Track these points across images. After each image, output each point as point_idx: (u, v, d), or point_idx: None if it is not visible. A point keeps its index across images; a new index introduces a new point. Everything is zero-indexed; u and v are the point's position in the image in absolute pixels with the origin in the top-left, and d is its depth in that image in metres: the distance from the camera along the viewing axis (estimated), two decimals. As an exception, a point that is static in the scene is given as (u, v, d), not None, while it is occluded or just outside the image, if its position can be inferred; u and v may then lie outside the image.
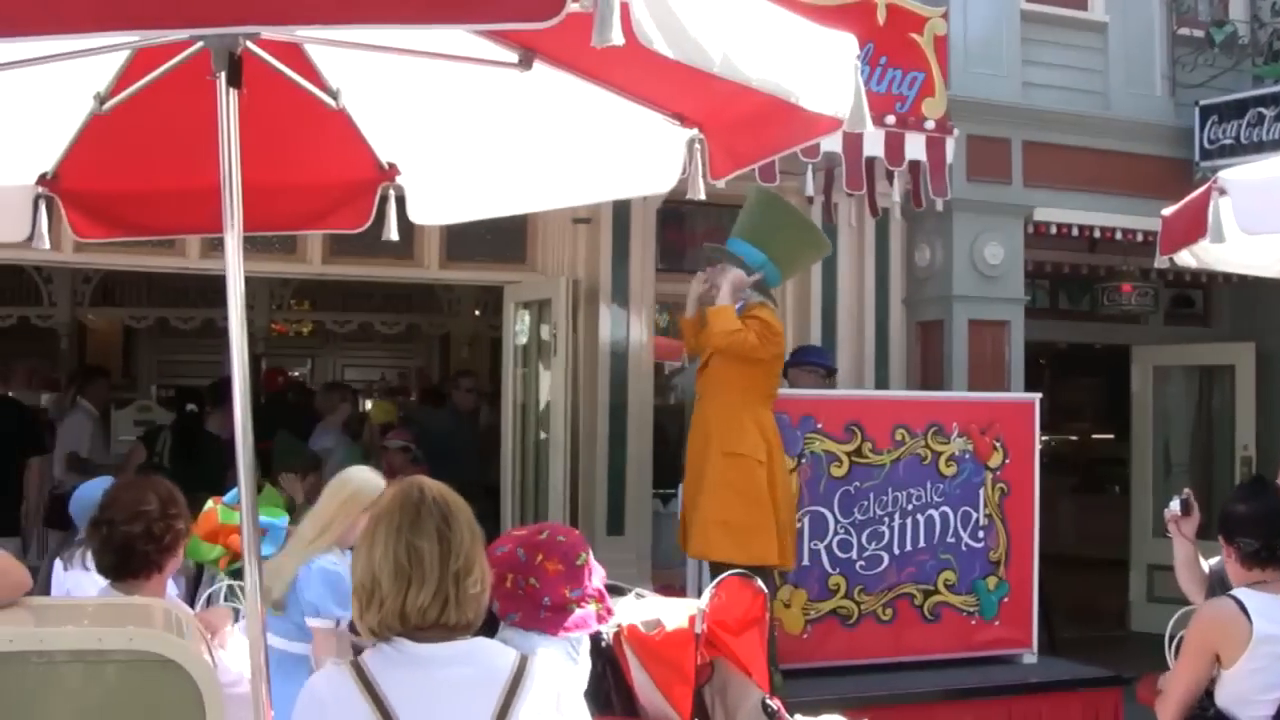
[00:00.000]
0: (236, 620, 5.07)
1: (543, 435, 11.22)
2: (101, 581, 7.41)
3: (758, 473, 8.16)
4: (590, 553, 5.47)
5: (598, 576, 5.45)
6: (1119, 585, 14.95)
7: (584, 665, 5.34)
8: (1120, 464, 16.85)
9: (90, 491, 7.91)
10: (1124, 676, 9.00)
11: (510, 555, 5.22)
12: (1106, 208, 12.10)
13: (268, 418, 11.63)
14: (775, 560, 8.15)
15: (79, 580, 7.61)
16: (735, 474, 8.14)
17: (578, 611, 5.28)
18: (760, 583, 5.76)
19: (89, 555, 7.60)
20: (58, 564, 7.81)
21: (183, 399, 13.37)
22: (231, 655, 4.43)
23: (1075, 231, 12.23)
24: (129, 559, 4.48)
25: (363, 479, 6.21)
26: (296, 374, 19.66)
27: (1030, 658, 9.55)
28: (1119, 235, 12.30)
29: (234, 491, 8.65)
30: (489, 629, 3.32)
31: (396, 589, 3.14)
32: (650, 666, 5.52)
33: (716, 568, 7.58)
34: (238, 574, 8.34)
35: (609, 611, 5.44)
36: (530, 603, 5.22)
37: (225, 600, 7.66)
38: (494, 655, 3.24)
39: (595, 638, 5.54)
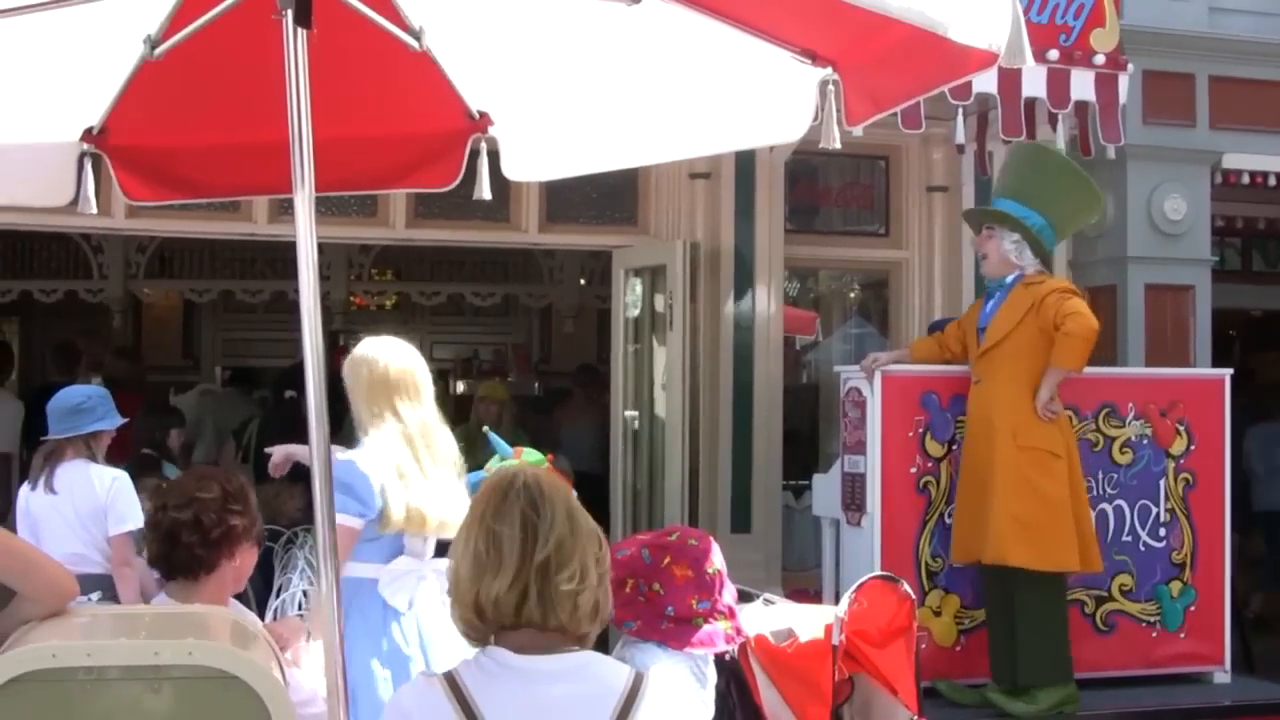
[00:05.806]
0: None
1: (658, 418, 11.20)
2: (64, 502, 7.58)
3: (1055, 468, 8.27)
4: (723, 563, 5.45)
5: (730, 592, 5.43)
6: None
7: (712, 690, 5.32)
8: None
9: (67, 395, 8.01)
10: (1333, 698, 8.87)
11: (634, 558, 5.22)
12: (1309, 153, 11.86)
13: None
14: (1077, 566, 8.26)
15: (41, 503, 7.76)
16: (1032, 469, 8.25)
17: (705, 627, 5.26)
18: (907, 586, 5.72)
19: (49, 476, 7.77)
20: (25, 486, 7.92)
21: (279, 385, 13.37)
22: (305, 672, 4.45)
23: (1272, 181, 12.00)
24: (172, 550, 4.44)
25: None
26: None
27: (1222, 676, 9.43)
28: (1325, 186, 12.09)
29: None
30: (601, 646, 3.28)
31: (472, 579, 3.14)
32: (780, 683, 5.51)
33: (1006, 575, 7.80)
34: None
35: (739, 632, 5.42)
36: (651, 611, 5.22)
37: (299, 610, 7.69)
38: (607, 672, 3.22)
39: (716, 649, 5.53)
